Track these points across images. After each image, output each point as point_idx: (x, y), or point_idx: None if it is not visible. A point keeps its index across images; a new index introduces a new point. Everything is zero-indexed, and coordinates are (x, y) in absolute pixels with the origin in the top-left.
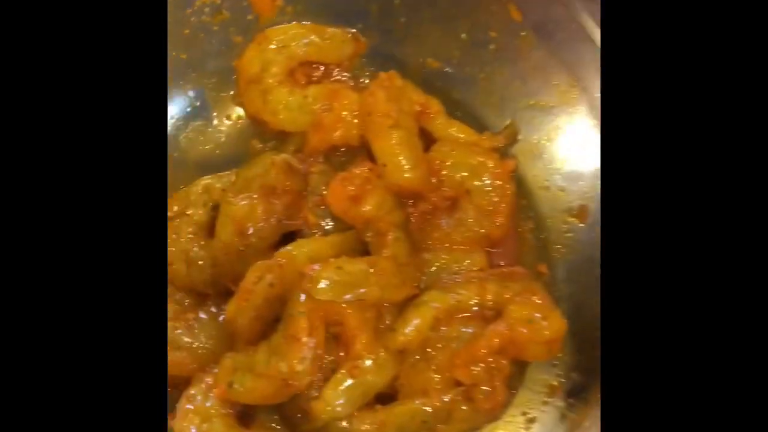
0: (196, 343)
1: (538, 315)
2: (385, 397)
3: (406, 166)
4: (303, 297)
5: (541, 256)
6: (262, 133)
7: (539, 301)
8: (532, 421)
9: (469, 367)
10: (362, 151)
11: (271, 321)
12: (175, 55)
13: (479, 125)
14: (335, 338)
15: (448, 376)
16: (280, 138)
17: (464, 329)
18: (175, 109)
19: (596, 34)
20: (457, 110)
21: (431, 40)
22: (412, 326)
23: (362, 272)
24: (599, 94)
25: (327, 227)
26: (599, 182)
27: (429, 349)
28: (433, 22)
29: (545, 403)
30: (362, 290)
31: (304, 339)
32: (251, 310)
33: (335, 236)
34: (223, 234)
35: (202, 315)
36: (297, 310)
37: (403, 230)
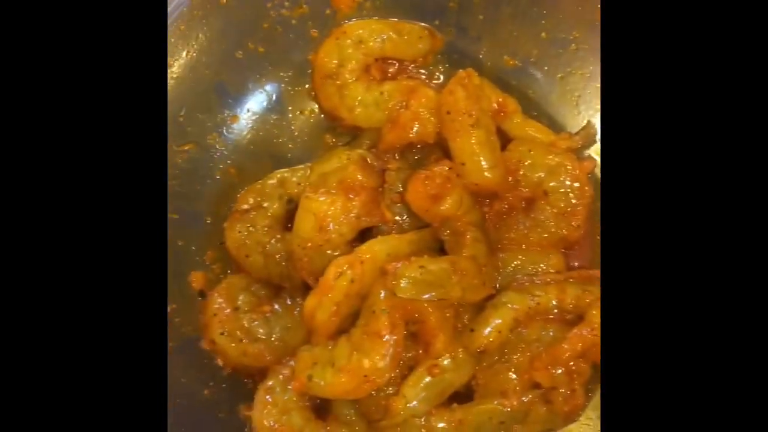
0: (273, 335)
1: None
2: (460, 397)
3: (486, 166)
4: (383, 294)
5: None
6: (335, 128)
7: None
8: None
9: (550, 370)
10: (437, 148)
11: (348, 316)
12: (252, 48)
13: (555, 125)
14: (412, 336)
15: (526, 377)
16: (352, 133)
17: (544, 332)
18: (251, 102)
19: None
20: (534, 109)
21: (509, 39)
22: (492, 327)
23: (444, 272)
24: None
25: (403, 224)
26: None
27: (507, 350)
28: (512, 20)
29: None
30: (444, 290)
31: (386, 336)
32: (331, 305)
33: (413, 234)
34: (303, 229)
35: (277, 307)
36: (378, 307)
37: (480, 230)
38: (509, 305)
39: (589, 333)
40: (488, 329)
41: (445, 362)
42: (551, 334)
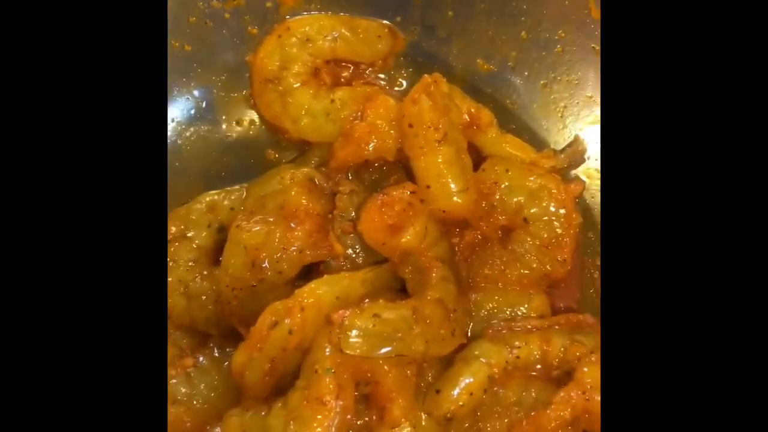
0: (195, 396)
1: None
2: None
3: (455, 189)
4: (329, 350)
5: None
6: (279, 141)
7: None
8: None
9: None
10: (398, 167)
11: (287, 373)
12: (177, 46)
13: (537, 140)
14: (366, 398)
15: None
16: (300, 148)
17: (525, 392)
18: (176, 110)
19: None
20: (511, 122)
21: (483, 39)
22: (462, 388)
23: (403, 321)
24: None
25: (357, 259)
26: None
27: (480, 416)
28: (486, 17)
29: None
30: (403, 343)
31: (331, 402)
32: (264, 362)
33: (368, 271)
34: (232, 266)
35: (202, 360)
36: (322, 365)
37: (448, 266)
38: (483, 359)
39: (580, 396)
40: (457, 390)
41: None
42: (534, 395)
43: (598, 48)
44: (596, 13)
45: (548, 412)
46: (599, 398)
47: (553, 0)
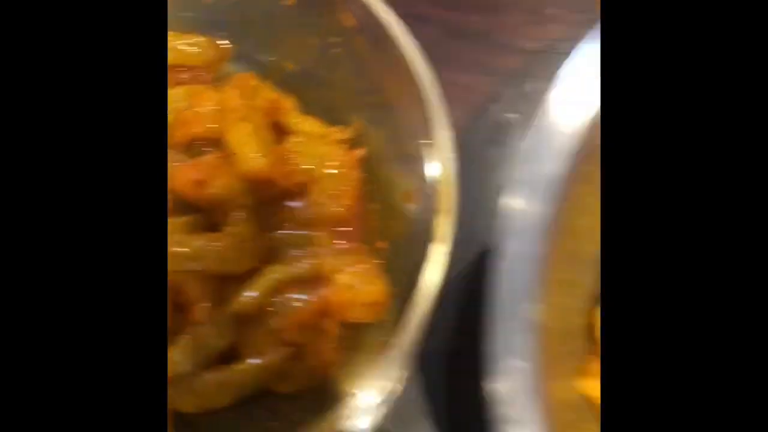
0: None
1: (361, 280)
2: (231, 359)
3: (253, 154)
4: None
5: (384, 235)
6: None
7: (364, 269)
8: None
9: (298, 329)
10: (219, 142)
11: None
12: None
13: (333, 121)
14: (178, 306)
15: (280, 337)
16: None
17: (300, 296)
18: None
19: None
20: (314, 108)
21: (287, 46)
22: (250, 293)
23: (201, 247)
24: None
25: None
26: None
27: (266, 315)
28: (287, 29)
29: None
30: (201, 263)
31: None
32: None
33: (184, 218)
34: None
35: None
36: None
37: (248, 210)
38: (269, 275)
39: (328, 293)
40: (246, 294)
41: (206, 327)
42: (306, 297)
43: (359, 48)
44: (348, 20)
45: (308, 306)
46: (349, 295)
47: (323, 13)
